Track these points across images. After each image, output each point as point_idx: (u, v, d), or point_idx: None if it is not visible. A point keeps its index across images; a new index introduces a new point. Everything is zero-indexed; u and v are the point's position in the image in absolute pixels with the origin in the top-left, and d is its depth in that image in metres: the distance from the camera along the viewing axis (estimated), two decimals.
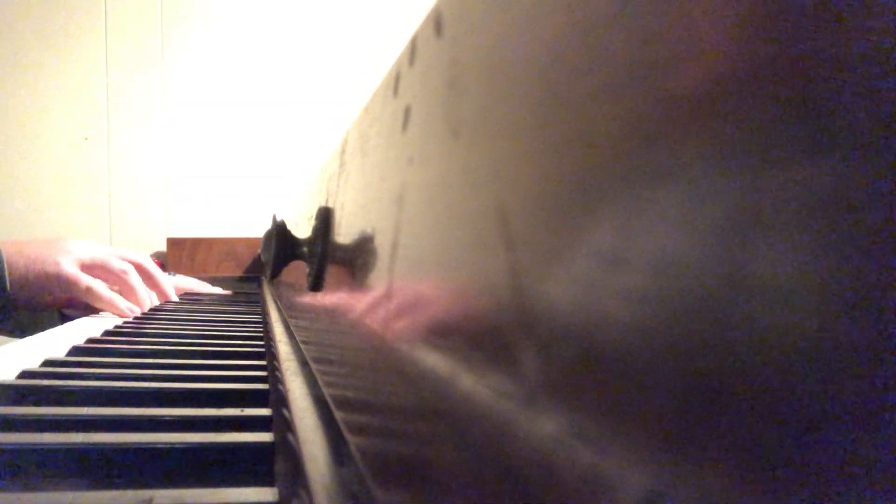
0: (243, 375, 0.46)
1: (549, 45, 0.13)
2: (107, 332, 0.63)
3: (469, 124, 0.17)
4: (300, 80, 1.52)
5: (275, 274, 0.43)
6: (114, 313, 0.77)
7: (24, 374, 0.43)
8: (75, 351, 0.53)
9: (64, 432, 0.31)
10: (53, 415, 0.34)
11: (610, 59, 0.11)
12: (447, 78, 0.19)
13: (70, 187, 1.49)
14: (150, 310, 0.83)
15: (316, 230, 0.40)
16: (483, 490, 0.13)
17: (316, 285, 0.39)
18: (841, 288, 0.06)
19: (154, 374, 0.45)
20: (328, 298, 0.36)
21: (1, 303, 0.74)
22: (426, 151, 0.20)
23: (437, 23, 0.20)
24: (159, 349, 0.56)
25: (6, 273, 0.73)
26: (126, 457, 0.29)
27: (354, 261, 0.29)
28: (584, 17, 0.12)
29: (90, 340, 0.58)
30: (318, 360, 0.39)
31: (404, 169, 0.23)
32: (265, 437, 0.31)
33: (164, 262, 1.35)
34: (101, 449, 0.29)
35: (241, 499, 0.25)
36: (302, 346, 0.47)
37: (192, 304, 0.95)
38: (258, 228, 1.41)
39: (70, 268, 0.77)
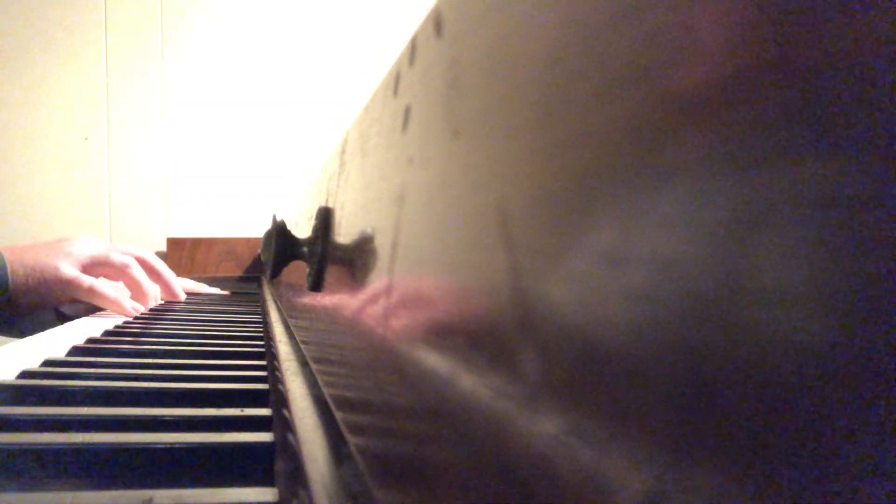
0: (243, 375, 0.46)
1: (548, 45, 0.13)
2: (107, 332, 0.63)
3: (469, 124, 0.17)
4: (300, 80, 1.52)
5: (275, 274, 0.43)
6: (118, 313, 0.77)
7: (24, 374, 0.43)
8: (75, 351, 0.53)
9: (64, 432, 0.31)
10: (53, 415, 0.34)
11: (610, 59, 0.11)
12: (447, 78, 0.19)
13: (70, 187, 1.49)
14: (151, 310, 0.83)
15: (316, 230, 0.40)
16: (483, 490, 0.13)
17: (316, 285, 0.39)
18: (841, 288, 0.06)
19: (154, 374, 0.45)
20: (328, 298, 0.36)
21: (5, 315, 0.74)
22: (426, 151, 0.20)
23: (437, 23, 0.20)
24: (159, 349, 0.56)
25: (9, 282, 0.73)
26: (126, 457, 0.29)
27: (354, 261, 0.29)
28: (583, 17, 0.12)
29: (90, 340, 0.58)
30: (317, 360, 0.39)
31: (404, 169, 0.23)
32: (265, 437, 0.31)
33: (163, 262, 1.35)
34: (101, 449, 0.29)
35: (241, 499, 0.25)
36: (302, 346, 0.47)
37: (192, 304, 0.95)
38: (258, 228, 1.41)
39: (69, 271, 0.77)
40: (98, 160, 1.50)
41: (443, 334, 0.17)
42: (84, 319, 0.75)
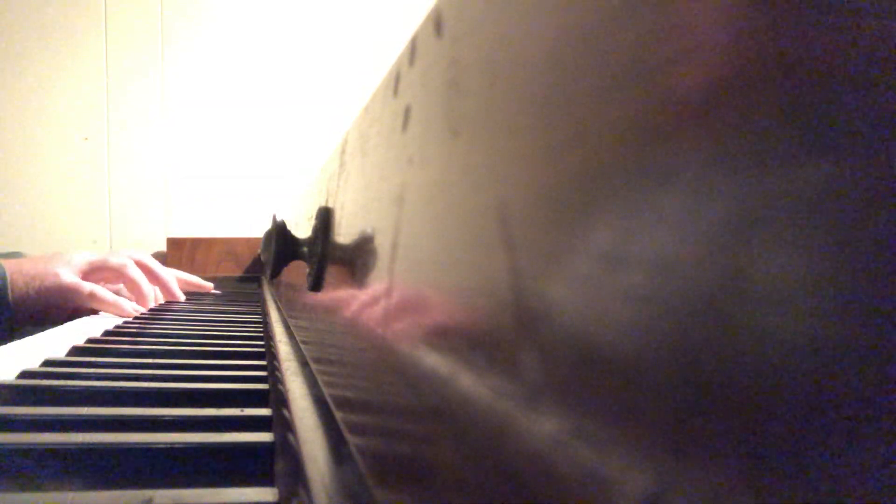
0: (243, 375, 0.46)
1: (548, 45, 0.13)
2: (107, 332, 0.63)
3: (469, 124, 0.17)
4: (300, 80, 1.52)
5: (275, 274, 0.43)
6: (120, 315, 0.77)
7: (24, 374, 0.43)
8: (75, 351, 0.53)
9: (64, 432, 0.31)
10: (53, 415, 0.34)
11: (610, 59, 0.11)
12: (447, 78, 0.19)
13: (70, 187, 1.49)
14: (151, 310, 0.83)
15: (316, 230, 0.40)
16: (483, 490, 0.13)
17: (316, 285, 0.39)
18: (840, 288, 0.06)
19: (154, 374, 0.45)
20: (328, 298, 0.36)
21: (6, 324, 0.74)
22: (426, 151, 0.20)
23: (437, 23, 0.20)
24: (159, 349, 0.56)
25: (9, 292, 0.74)
26: (126, 457, 0.29)
27: (354, 261, 0.29)
28: (583, 17, 0.12)
29: (90, 340, 0.58)
30: (317, 360, 0.39)
31: (404, 169, 0.23)
32: (265, 436, 0.31)
33: (163, 262, 1.35)
34: (101, 449, 0.29)
35: (241, 499, 0.25)
36: (302, 346, 0.47)
37: (193, 304, 0.95)
38: (258, 228, 1.42)
39: (69, 277, 0.77)
40: (98, 160, 1.50)
41: (442, 334, 0.17)
42: (84, 319, 0.75)
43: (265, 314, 0.75)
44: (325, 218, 0.40)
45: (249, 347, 0.57)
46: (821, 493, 0.06)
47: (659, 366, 0.09)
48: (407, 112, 0.23)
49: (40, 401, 0.39)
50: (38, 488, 0.28)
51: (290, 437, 0.28)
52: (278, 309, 0.75)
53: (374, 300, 0.24)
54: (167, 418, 0.34)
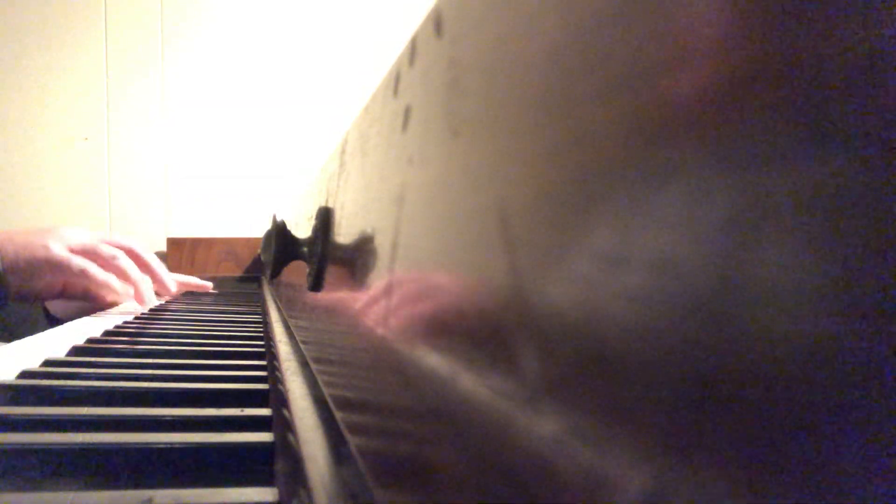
0: (243, 375, 0.46)
1: (549, 45, 0.13)
2: (107, 332, 0.63)
3: (469, 124, 0.17)
4: (300, 80, 1.52)
5: (275, 274, 0.43)
6: (109, 297, 0.77)
7: (24, 374, 0.43)
8: (75, 351, 0.53)
9: (64, 432, 0.31)
10: (53, 415, 0.34)
11: (610, 59, 0.11)
12: (447, 78, 0.19)
13: (70, 187, 1.49)
14: (150, 310, 0.83)
15: (316, 230, 0.40)
16: (483, 490, 0.13)
17: (316, 285, 0.39)
18: (840, 288, 0.06)
19: (154, 374, 0.45)
20: (328, 298, 0.36)
21: None
22: (426, 151, 0.20)
23: (437, 23, 0.20)
24: (159, 349, 0.56)
25: None
26: (126, 457, 0.29)
27: (354, 261, 0.29)
28: (583, 17, 0.12)
29: (90, 340, 0.58)
30: (317, 360, 0.39)
31: (404, 169, 0.23)
32: (265, 436, 0.31)
33: (163, 262, 1.35)
34: (101, 449, 0.29)
35: (241, 499, 0.25)
36: (302, 346, 0.47)
37: (193, 303, 0.95)
38: (258, 228, 1.42)
39: (60, 251, 0.77)
40: (98, 160, 1.50)
41: (442, 334, 0.17)
42: (84, 319, 0.75)
43: (265, 314, 0.75)
44: (325, 218, 0.40)
45: (249, 347, 0.57)
46: (821, 492, 0.06)
47: (659, 365, 0.09)
48: (407, 112, 0.23)
49: (40, 401, 0.39)
50: (38, 488, 0.28)
51: (291, 437, 0.28)
52: (278, 309, 0.75)
53: (374, 300, 0.24)
54: (167, 418, 0.34)
